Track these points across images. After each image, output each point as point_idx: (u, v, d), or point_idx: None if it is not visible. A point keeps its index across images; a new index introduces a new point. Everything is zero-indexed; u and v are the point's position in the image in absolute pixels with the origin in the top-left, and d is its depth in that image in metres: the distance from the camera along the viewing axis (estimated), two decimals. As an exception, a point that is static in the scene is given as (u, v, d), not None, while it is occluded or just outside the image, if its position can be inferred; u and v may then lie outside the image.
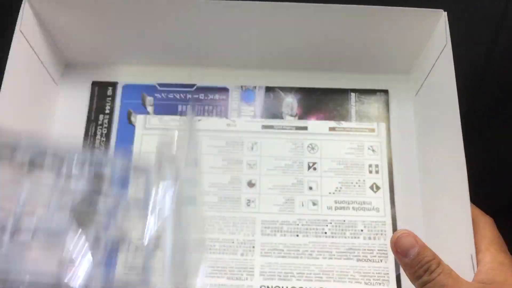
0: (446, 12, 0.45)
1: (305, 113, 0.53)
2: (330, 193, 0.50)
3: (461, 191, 0.40)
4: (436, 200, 0.47)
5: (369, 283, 0.47)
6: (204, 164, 0.51)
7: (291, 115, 0.53)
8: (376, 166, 0.51)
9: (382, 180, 0.50)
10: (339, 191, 0.50)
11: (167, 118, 0.52)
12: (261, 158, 0.51)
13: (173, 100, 0.53)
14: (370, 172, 0.51)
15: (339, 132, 0.52)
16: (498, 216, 0.41)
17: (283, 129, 0.52)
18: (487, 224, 0.40)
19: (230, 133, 0.52)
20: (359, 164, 0.51)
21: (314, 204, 0.50)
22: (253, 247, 0.48)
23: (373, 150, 0.51)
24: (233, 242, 0.48)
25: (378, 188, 0.50)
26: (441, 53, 0.46)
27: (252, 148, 0.51)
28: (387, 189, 0.50)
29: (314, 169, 0.51)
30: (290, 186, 0.50)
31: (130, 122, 0.53)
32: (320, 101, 0.53)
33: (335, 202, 0.50)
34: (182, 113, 0.53)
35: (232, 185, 0.50)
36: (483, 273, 0.37)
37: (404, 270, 0.38)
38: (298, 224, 0.49)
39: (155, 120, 0.52)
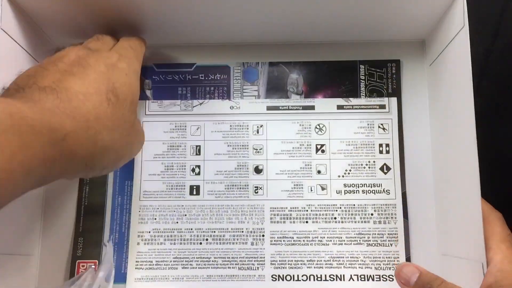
0: None
1: (311, 90, 0.50)
2: (339, 176, 0.49)
3: (472, 175, 0.39)
4: (447, 184, 0.46)
5: (379, 268, 0.47)
6: (208, 151, 0.49)
7: (297, 93, 0.50)
8: (387, 145, 0.49)
9: (393, 160, 0.49)
10: (349, 173, 0.49)
11: (167, 102, 0.50)
12: (267, 141, 0.49)
13: (172, 82, 0.50)
14: (381, 152, 0.49)
15: (348, 111, 0.49)
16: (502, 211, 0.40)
17: (289, 109, 0.50)
18: (496, 219, 0.39)
19: (234, 116, 0.50)
20: (369, 144, 0.49)
21: (323, 188, 0.49)
22: (263, 235, 0.48)
23: (383, 129, 0.49)
24: (242, 231, 0.48)
25: (388, 169, 0.49)
26: (456, 35, 0.43)
27: (257, 132, 0.49)
28: (398, 170, 0.48)
29: (323, 151, 0.49)
30: (298, 170, 0.49)
31: None
32: (327, 76, 0.50)
33: (344, 185, 0.48)
34: (182, 97, 0.50)
35: (238, 172, 0.49)
36: (492, 275, 0.37)
37: None
38: (307, 210, 0.48)
39: (155, 105, 0.50)
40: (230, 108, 0.50)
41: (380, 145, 0.49)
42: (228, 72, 0.50)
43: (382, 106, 0.49)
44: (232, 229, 0.48)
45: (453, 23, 0.43)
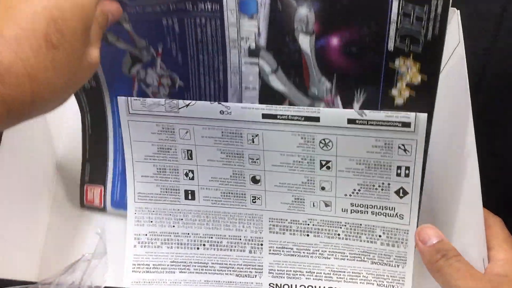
0: (458, 11, 0.41)
1: (325, 30, 0.39)
2: (346, 195, 0.42)
3: (473, 195, 0.38)
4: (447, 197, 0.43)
5: (382, 285, 0.44)
6: (201, 156, 0.44)
7: (306, 33, 0.39)
8: (407, 168, 0.40)
9: (412, 184, 0.40)
10: (357, 193, 0.42)
11: (150, 101, 0.42)
12: (264, 152, 0.42)
13: (154, 14, 0.40)
14: (398, 175, 0.40)
15: (360, 126, 0.39)
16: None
17: (288, 119, 0.40)
18: (496, 223, 0.39)
19: (224, 122, 0.42)
20: (385, 165, 0.40)
21: (326, 205, 0.43)
22: (261, 244, 0.45)
23: (404, 150, 0.39)
24: (240, 239, 0.46)
25: (405, 193, 0.41)
26: (453, 51, 0.41)
27: (253, 141, 0.42)
28: (416, 196, 0.41)
29: (328, 168, 0.41)
30: (299, 185, 0.43)
31: (108, 42, 0.43)
32: (347, 13, 0.38)
33: (351, 204, 0.42)
34: (169, 30, 0.41)
35: (234, 180, 0.44)
36: (498, 267, 0.36)
37: (422, 256, 0.39)
38: (308, 224, 0.44)
39: (137, 104, 0.43)
40: (220, 113, 0.41)
41: (399, 168, 0.40)
42: (221, 2, 0.39)
43: (406, 124, 0.38)
44: (229, 236, 0.46)
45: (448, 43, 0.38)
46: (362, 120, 0.39)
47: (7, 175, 0.44)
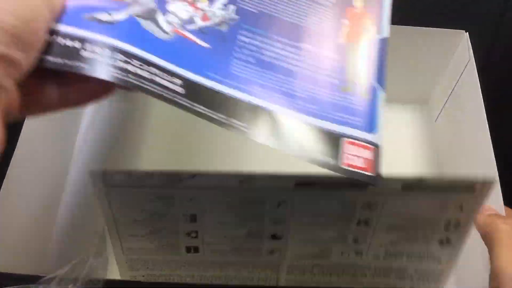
0: (467, 33, 0.44)
1: None
2: (381, 245, 0.36)
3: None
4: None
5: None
6: (208, 220, 0.35)
7: None
8: (457, 223, 0.34)
9: (457, 235, 0.35)
10: (395, 243, 0.36)
11: (138, 173, 0.31)
12: (292, 213, 0.34)
13: None
14: (447, 229, 0.35)
15: (418, 193, 0.32)
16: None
17: (329, 187, 0.32)
18: None
19: (245, 192, 0.32)
20: (435, 221, 0.34)
21: (357, 253, 0.37)
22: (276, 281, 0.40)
23: (461, 209, 0.33)
24: (252, 280, 0.40)
25: (449, 242, 0.36)
26: (465, 67, 0.44)
27: (278, 206, 0.33)
28: (460, 243, 0.36)
29: (366, 224, 0.35)
30: (327, 239, 0.36)
31: None
32: None
33: (386, 252, 0.37)
34: None
35: (250, 238, 0.36)
36: None
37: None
38: (333, 267, 0.38)
39: (120, 178, 0.31)
40: (240, 182, 0.32)
41: (448, 222, 0.35)
42: None
43: (469, 188, 0.32)
44: (240, 277, 0.40)
45: (456, 65, 0.44)
46: (420, 185, 0.32)
47: (17, 176, 0.40)
